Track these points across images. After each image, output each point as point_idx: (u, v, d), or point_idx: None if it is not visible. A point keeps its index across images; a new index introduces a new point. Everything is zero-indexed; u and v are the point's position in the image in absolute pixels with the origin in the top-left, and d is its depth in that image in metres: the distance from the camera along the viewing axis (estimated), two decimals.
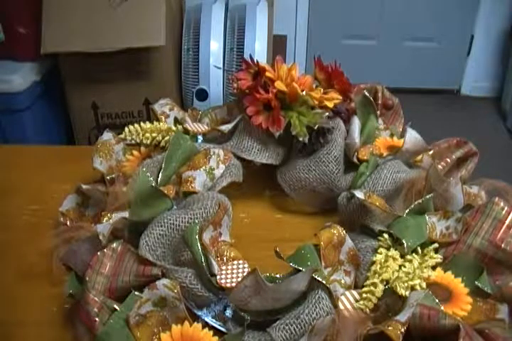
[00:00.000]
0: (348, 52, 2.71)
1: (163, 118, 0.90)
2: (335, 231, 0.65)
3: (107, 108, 1.64)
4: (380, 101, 0.93)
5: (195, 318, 0.62)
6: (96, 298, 0.60)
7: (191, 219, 0.66)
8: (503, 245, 0.64)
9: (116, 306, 0.61)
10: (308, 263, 0.61)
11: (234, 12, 1.76)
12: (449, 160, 0.85)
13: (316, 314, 0.58)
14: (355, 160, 0.82)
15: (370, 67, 2.71)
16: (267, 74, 0.79)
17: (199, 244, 0.61)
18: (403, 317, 0.55)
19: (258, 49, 1.69)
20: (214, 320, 0.63)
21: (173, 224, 0.65)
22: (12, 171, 0.96)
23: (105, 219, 0.72)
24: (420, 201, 0.71)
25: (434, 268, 0.64)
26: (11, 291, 0.72)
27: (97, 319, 0.60)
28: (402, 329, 0.54)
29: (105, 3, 1.50)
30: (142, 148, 0.86)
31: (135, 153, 0.85)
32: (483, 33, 2.72)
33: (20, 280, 0.74)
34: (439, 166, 0.83)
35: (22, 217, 0.84)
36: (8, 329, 0.68)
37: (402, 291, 0.60)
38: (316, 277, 0.59)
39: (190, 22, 1.71)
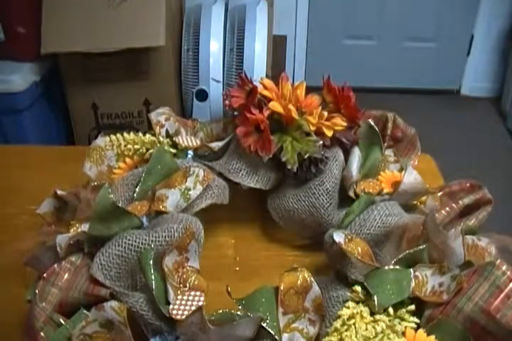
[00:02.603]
0: (348, 52, 2.72)
1: (158, 128, 0.86)
2: (300, 276, 0.61)
3: (106, 108, 1.64)
4: (389, 132, 0.86)
5: None
6: (42, 312, 0.59)
7: (152, 241, 0.63)
8: (497, 316, 0.56)
9: (62, 321, 0.60)
10: (260, 309, 0.58)
11: (234, 12, 1.73)
12: (455, 206, 0.77)
13: None
14: (351, 194, 0.77)
15: (370, 67, 2.67)
16: (263, 92, 0.77)
17: (152, 271, 0.59)
18: None
19: (258, 49, 1.67)
20: None
21: (132, 245, 0.63)
22: (12, 171, 0.97)
23: (73, 228, 0.70)
24: (412, 251, 0.64)
25: (416, 329, 0.58)
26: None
27: (42, 333, 0.58)
28: None
29: (105, 3, 1.49)
30: (136, 157, 0.83)
31: (128, 160, 0.83)
32: (483, 33, 2.72)
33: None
34: (444, 212, 0.76)
35: (22, 217, 0.85)
36: None
37: None
38: (264, 326, 0.57)
39: (190, 22, 1.69)
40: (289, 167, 0.74)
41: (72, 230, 0.69)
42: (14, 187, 0.92)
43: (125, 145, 0.82)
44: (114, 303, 0.58)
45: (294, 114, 0.74)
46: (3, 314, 0.69)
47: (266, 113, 0.74)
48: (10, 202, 0.88)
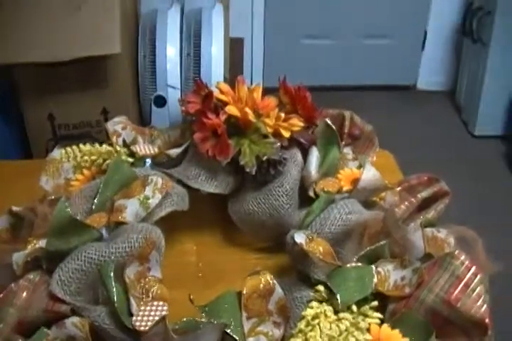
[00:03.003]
0: (305, 51, 2.69)
1: (115, 138, 0.85)
2: (262, 279, 0.61)
3: (64, 118, 1.60)
4: (346, 130, 0.87)
5: None
6: (0, 333, 0.58)
7: (112, 253, 0.62)
8: (458, 305, 0.57)
9: None
10: (224, 315, 0.57)
11: (190, 16, 1.74)
12: (414, 200, 0.78)
13: None
14: (311, 194, 0.77)
15: (328, 65, 2.70)
16: (220, 96, 0.77)
17: (113, 283, 0.58)
18: None
19: (215, 53, 1.66)
20: None
21: (92, 258, 0.62)
22: None
23: (30, 245, 0.68)
24: (373, 247, 0.65)
25: (381, 324, 0.58)
26: None
27: None
28: None
29: (58, 11, 1.41)
30: (93, 168, 0.82)
31: (85, 172, 0.81)
32: (436, 28, 2.77)
33: None
34: (403, 206, 0.77)
35: None
36: None
37: None
38: (228, 332, 0.56)
39: (146, 28, 1.68)
40: (248, 170, 0.74)
41: (29, 247, 0.67)
42: None
43: (81, 157, 0.81)
44: (75, 319, 0.57)
45: (251, 117, 0.74)
46: None
47: (222, 117, 0.74)
48: None
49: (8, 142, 1.69)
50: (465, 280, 0.57)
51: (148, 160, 0.81)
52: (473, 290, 0.57)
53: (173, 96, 1.66)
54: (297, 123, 0.77)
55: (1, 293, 0.61)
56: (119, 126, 0.86)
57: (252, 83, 0.81)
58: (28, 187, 0.80)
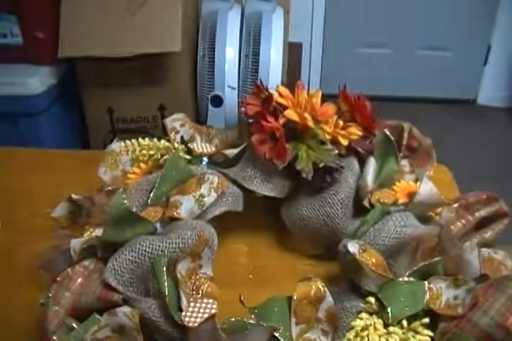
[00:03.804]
0: (363, 60, 2.66)
1: (173, 134, 0.86)
2: (313, 286, 0.60)
3: (122, 112, 1.65)
4: (405, 142, 0.86)
5: None
6: (55, 315, 0.59)
7: (166, 247, 0.63)
8: None
9: (75, 325, 0.60)
10: (273, 318, 0.57)
11: (250, 19, 1.74)
12: (471, 218, 0.76)
13: None
14: (366, 204, 0.77)
15: (386, 75, 2.66)
16: (279, 100, 0.76)
17: (165, 277, 0.59)
18: None
19: (273, 56, 1.69)
20: None
21: (146, 250, 0.63)
22: (26, 174, 0.98)
23: (87, 233, 0.70)
24: (426, 263, 0.64)
25: None
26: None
27: (54, 337, 0.58)
28: None
29: (122, 8, 1.47)
30: (150, 162, 0.83)
31: (142, 166, 0.83)
32: (500, 42, 2.71)
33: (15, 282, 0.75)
34: (459, 224, 0.76)
35: (35, 220, 0.85)
36: None
37: None
38: (276, 336, 0.56)
39: (206, 28, 1.70)
40: (304, 175, 0.73)
41: (86, 234, 0.70)
42: (28, 190, 0.92)
43: (140, 151, 0.82)
44: (126, 309, 0.58)
45: (310, 123, 0.74)
46: (16, 317, 0.69)
47: (281, 121, 0.74)
48: (24, 205, 0.89)
49: (68, 133, 1.75)
50: None
51: (205, 159, 0.82)
52: None
53: (230, 96, 1.68)
54: (356, 131, 0.77)
55: (58, 277, 0.62)
56: (177, 123, 0.87)
57: (309, 89, 0.80)
58: (86, 177, 0.81)
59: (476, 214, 0.76)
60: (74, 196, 0.76)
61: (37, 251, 0.72)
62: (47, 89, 1.63)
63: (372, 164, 0.78)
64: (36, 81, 1.60)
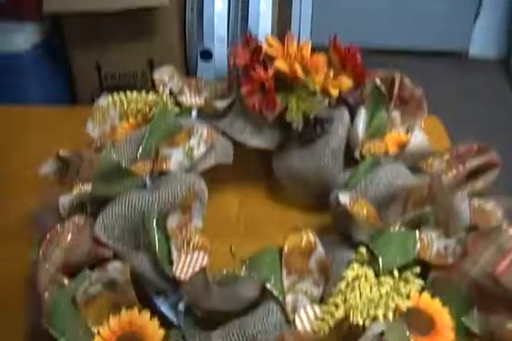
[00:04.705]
0: (354, 11, 2.59)
1: (161, 87, 0.83)
2: (304, 237, 0.60)
3: (110, 68, 1.61)
4: (396, 92, 0.82)
5: (150, 305, 0.58)
6: (46, 272, 0.58)
7: (156, 201, 0.61)
8: (502, 280, 0.54)
9: (66, 282, 0.59)
10: (264, 269, 0.56)
11: None
12: (462, 168, 0.74)
13: (262, 328, 0.53)
14: (357, 155, 0.76)
15: (377, 26, 2.59)
16: (268, 51, 0.74)
17: (156, 231, 0.58)
18: None
19: (263, 7, 1.63)
20: (169, 310, 0.58)
21: (135, 205, 0.61)
22: (13, 132, 0.95)
23: (76, 189, 0.68)
24: (418, 212, 0.63)
25: (421, 292, 0.56)
26: None
27: (46, 293, 0.57)
28: None
29: None
30: (139, 117, 0.81)
31: (131, 120, 0.80)
32: None
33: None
34: (450, 174, 0.73)
35: (24, 178, 0.81)
36: None
37: (358, 320, 0.53)
38: (268, 287, 0.55)
39: None
40: (294, 126, 0.72)
41: (75, 191, 0.68)
42: (16, 148, 0.90)
43: (128, 105, 0.80)
44: (117, 264, 0.57)
45: (300, 73, 0.71)
46: (7, 275, 0.67)
47: (271, 72, 0.71)
48: (11, 163, 0.86)
49: (55, 90, 1.69)
50: None
51: (194, 112, 0.80)
52: None
53: (220, 50, 1.65)
54: (346, 82, 0.75)
55: (48, 234, 0.61)
56: (166, 75, 0.84)
57: (299, 40, 0.77)
58: (74, 133, 0.79)
59: (467, 164, 0.75)
60: (62, 152, 0.74)
61: (26, 209, 0.71)
62: (32, 46, 1.57)
63: (362, 115, 0.76)
64: (21, 38, 1.54)
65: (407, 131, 0.79)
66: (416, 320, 0.54)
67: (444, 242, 0.60)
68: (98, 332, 0.55)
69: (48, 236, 0.61)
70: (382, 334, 0.52)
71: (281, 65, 0.71)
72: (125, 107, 0.80)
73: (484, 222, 0.65)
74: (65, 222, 0.62)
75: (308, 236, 0.59)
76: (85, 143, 0.77)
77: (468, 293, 0.55)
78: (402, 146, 0.75)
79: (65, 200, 0.65)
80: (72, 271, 0.60)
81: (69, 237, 0.61)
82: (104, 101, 0.80)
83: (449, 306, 0.55)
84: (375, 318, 0.53)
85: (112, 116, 0.80)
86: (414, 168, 0.73)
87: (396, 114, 0.82)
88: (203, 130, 0.71)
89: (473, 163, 0.75)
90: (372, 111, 0.78)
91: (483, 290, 0.55)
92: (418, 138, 0.72)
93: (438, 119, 0.96)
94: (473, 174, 0.76)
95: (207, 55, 1.63)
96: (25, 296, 0.61)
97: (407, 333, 0.53)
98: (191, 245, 0.59)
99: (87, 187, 0.66)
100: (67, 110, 1.21)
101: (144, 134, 0.72)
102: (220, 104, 0.77)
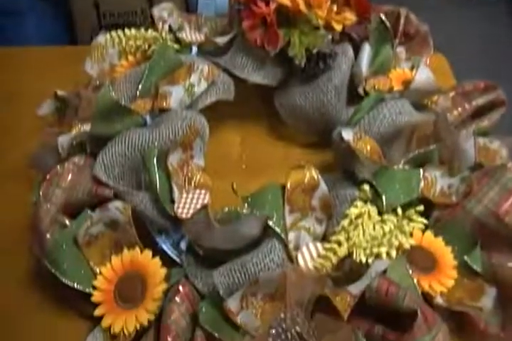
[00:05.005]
0: None
1: (161, 24, 0.81)
2: (307, 174, 0.58)
3: (109, 6, 1.56)
4: (401, 28, 0.80)
5: (152, 244, 0.58)
6: (47, 213, 0.58)
7: (156, 139, 0.60)
8: (506, 219, 0.54)
9: (67, 222, 0.59)
10: (266, 207, 0.56)
11: None
12: (467, 106, 0.72)
13: (264, 265, 0.53)
14: (360, 91, 0.73)
15: None
16: None
17: (156, 169, 0.57)
18: (356, 289, 0.50)
19: None
20: (171, 249, 0.58)
21: (135, 143, 0.60)
22: (12, 74, 0.91)
23: (75, 129, 0.68)
24: (422, 150, 0.61)
25: (424, 230, 0.56)
26: None
27: (47, 234, 0.57)
28: (351, 302, 0.49)
29: None
30: (138, 54, 0.78)
31: (130, 58, 0.78)
32: None
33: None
34: (456, 112, 0.72)
35: (23, 120, 0.80)
36: None
37: (361, 258, 0.53)
38: (270, 225, 0.54)
39: None
40: (297, 62, 0.69)
41: (74, 130, 0.67)
42: (15, 90, 0.87)
43: (127, 42, 0.77)
44: (118, 203, 0.57)
45: (302, 7, 0.68)
46: (9, 217, 0.67)
47: (273, 6, 0.68)
48: (13, 105, 0.84)
49: (54, 31, 1.65)
50: None
51: (194, 48, 0.77)
52: None
53: None
54: (350, 16, 0.72)
55: (48, 175, 0.60)
56: (165, 12, 0.82)
57: None
58: (73, 73, 0.77)
59: (473, 102, 0.73)
60: (60, 92, 0.73)
61: (26, 151, 0.69)
62: None
63: (367, 50, 0.74)
64: None
65: (412, 68, 0.77)
66: (419, 258, 0.54)
67: (448, 181, 0.59)
68: (100, 272, 0.55)
69: (47, 177, 0.60)
70: (384, 271, 0.52)
71: None
72: (124, 44, 0.78)
73: (489, 161, 0.64)
74: (64, 163, 0.61)
75: (311, 173, 0.58)
76: (84, 83, 0.75)
77: (472, 232, 0.55)
78: (407, 83, 0.72)
79: (64, 140, 0.63)
80: (74, 211, 0.59)
81: (69, 177, 0.60)
82: (102, 38, 0.78)
83: (452, 245, 0.55)
84: (377, 256, 0.53)
85: (110, 54, 0.78)
86: (419, 105, 0.71)
87: (401, 50, 0.80)
88: (204, 66, 0.68)
89: (479, 101, 0.73)
90: (376, 47, 0.76)
91: (487, 229, 0.55)
92: (423, 75, 0.69)
93: (444, 57, 0.94)
94: (479, 112, 0.74)
95: None
96: (27, 238, 0.60)
97: (410, 271, 0.53)
98: (192, 183, 0.59)
99: (86, 127, 0.65)
100: (66, 49, 1.14)
101: (143, 71, 0.70)
102: (221, 40, 0.74)
